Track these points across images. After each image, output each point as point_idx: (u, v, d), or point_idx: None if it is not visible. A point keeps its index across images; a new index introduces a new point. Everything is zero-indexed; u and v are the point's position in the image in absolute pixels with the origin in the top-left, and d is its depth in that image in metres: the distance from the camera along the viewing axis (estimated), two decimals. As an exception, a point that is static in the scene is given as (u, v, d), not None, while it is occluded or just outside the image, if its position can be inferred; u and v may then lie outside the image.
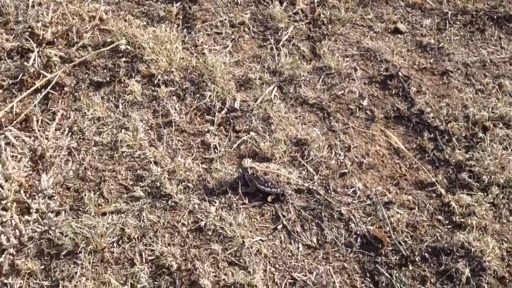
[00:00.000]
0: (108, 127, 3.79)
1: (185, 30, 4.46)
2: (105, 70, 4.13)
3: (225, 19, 4.60)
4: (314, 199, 3.42)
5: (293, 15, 4.60)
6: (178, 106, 3.93)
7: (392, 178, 3.56)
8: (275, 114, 3.85)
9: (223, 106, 3.93)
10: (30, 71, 3.99)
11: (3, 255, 3.13)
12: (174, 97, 3.99)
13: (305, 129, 3.74)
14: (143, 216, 3.34)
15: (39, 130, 3.68)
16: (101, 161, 3.61)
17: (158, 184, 3.47)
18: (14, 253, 3.16)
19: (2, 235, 3.15)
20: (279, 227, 3.31)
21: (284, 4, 4.67)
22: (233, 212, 3.35)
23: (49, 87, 3.93)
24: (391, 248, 3.20)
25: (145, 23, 4.44)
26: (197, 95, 3.99)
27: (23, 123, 3.80)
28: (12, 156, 3.50)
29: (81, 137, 3.73)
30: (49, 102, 3.92)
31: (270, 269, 3.13)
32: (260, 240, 3.24)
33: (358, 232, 3.26)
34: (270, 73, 4.15)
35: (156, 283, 3.08)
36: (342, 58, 4.25)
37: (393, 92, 4.05)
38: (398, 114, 3.92)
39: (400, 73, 4.11)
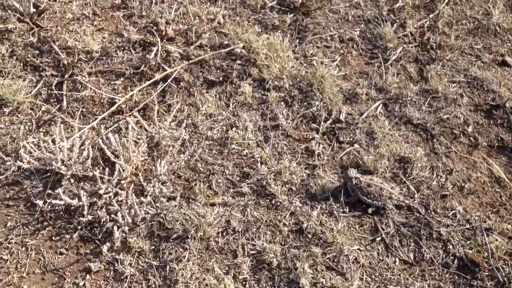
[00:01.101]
0: (219, 124, 3.99)
1: (297, 40, 4.62)
2: (219, 70, 4.34)
3: (335, 34, 4.74)
4: (414, 217, 3.50)
5: (402, 37, 4.71)
6: (286, 112, 4.09)
7: (492, 206, 3.60)
8: (379, 129, 3.96)
9: (328, 117, 4.07)
10: (152, 63, 4.25)
11: (117, 232, 3.34)
12: (283, 103, 4.15)
13: (408, 148, 3.83)
14: (248, 212, 3.50)
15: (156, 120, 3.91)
16: (211, 155, 3.81)
17: (264, 183, 3.63)
18: (127, 231, 3.38)
19: (119, 213, 3.37)
20: (378, 239, 3.41)
21: (394, 25, 4.77)
22: (334, 219, 3.47)
23: (169, 80, 4.17)
24: (487, 273, 3.24)
25: (259, 30, 4.64)
26: (305, 103, 4.14)
27: (141, 111, 4.03)
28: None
29: (194, 131, 3.94)
30: (166, 94, 4.15)
31: (366, 278, 3.23)
32: (358, 249, 3.35)
33: (456, 254, 3.32)
34: (376, 90, 4.27)
35: (256, 276, 3.23)
36: (449, 83, 4.32)
37: (498, 122, 4.08)
38: (502, 144, 3.95)
39: (506, 105, 4.14)
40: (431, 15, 4.91)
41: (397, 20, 4.84)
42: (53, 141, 3.67)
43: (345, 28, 4.81)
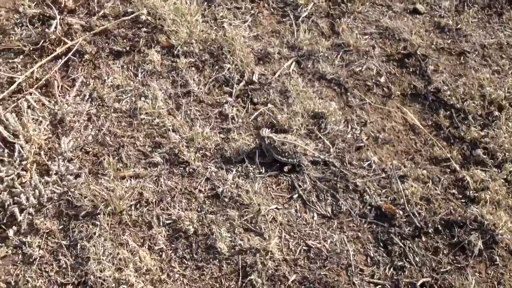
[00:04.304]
0: (127, 95, 3.83)
1: (205, 3, 4.48)
2: (125, 40, 4.16)
3: (245, -6, 4.63)
4: (330, 171, 3.46)
5: (313, -7, 4.63)
6: (197, 77, 3.97)
7: (407, 153, 3.60)
8: (292, 87, 3.88)
9: (241, 79, 3.96)
10: (51, 37, 4.04)
11: (22, 214, 3.18)
12: (193, 68, 4.02)
13: (322, 103, 3.78)
14: (161, 182, 3.38)
15: (59, 95, 3.72)
16: (120, 128, 3.66)
17: (176, 151, 3.51)
18: (33, 213, 3.22)
19: (22, 194, 3.20)
20: (295, 196, 3.35)
21: (304, -19, 4.69)
22: (250, 180, 3.40)
23: (70, 54, 3.97)
24: (404, 219, 3.24)
25: (165, -5, 4.48)
26: (216, 67, 4.03)
27: (43, 88, 3.84)
28: (33, 119, 3.55)
29: (101, 104, 3.77)
30: (69, 69, 3.96)
31: (285, 236, 3.18)
32: (276, 208, 3.29)
33: (372, 204, 3.30)
34: (288, 48, 4.18)
35: (173, 245, 3.13)
36: (360, 35, 4.28)
37: (411, 70, 4.07)
38: (415, 92, 3.94)
39: (418, 52, 4.13)
40: (340, -31, 4.84)
41: (307, -24, 4.74)
42: (-51, 128, 3.45)
43: (255, -13, 4.70)
